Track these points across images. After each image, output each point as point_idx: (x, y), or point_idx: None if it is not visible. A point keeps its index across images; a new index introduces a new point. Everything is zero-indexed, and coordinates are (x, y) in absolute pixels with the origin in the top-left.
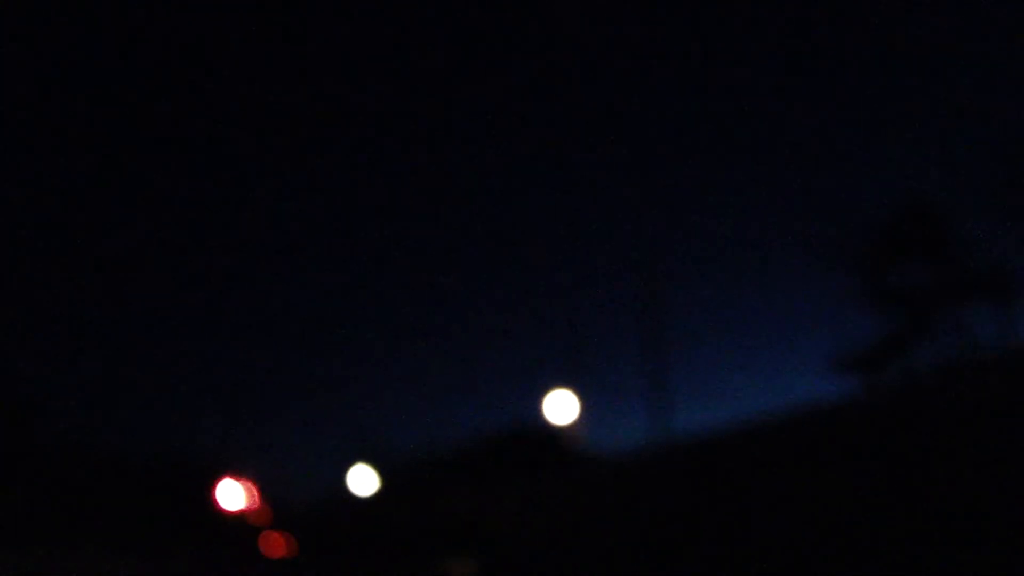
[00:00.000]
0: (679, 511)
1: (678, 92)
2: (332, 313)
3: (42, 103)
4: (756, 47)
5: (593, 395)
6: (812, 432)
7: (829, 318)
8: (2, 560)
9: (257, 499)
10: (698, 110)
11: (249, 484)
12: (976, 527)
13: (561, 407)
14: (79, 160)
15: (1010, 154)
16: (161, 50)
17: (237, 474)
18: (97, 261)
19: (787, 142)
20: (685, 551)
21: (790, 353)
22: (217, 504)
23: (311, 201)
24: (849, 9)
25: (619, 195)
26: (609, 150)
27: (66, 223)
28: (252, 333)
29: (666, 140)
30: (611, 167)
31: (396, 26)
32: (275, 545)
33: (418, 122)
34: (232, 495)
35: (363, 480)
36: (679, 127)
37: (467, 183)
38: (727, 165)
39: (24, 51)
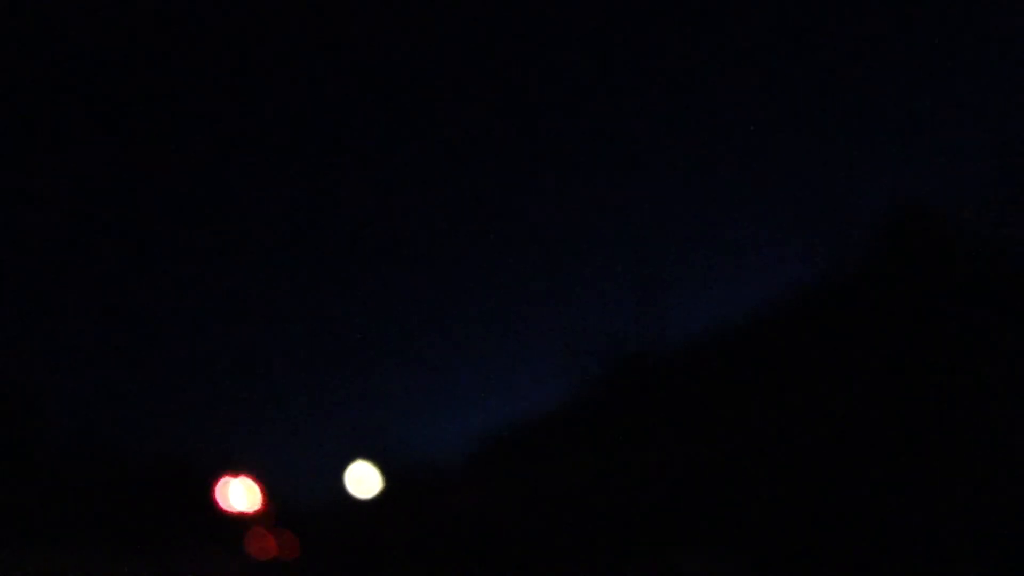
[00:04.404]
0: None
1: (674, 88)
2: (333, 310)
3: (40, 101)
4: (754, 45)
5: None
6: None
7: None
8: (2, 560)
9: (261, 498)
10: (695, 107)
11: (251, 481)
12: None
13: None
14: (78, 158)
15: (1010, 154)
16: (159, 46)
17: (239, 471)
18: (97, 260)
19: (785, 140)
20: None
21: None
22: (220, 503)
23: (312, 200)
24: (847, 8)
25: (617, 196)
26: (606, 150)
27: (66, 222)
28: (253, 330)
29: (662, 137)
30: (609, 166)
31: (391, 25)
32: (276, 544)
33: (417, 121)
34: (235, 494)
35: (364, 479)
36: (675, 123)
37: (467, 182)
38: (724, 162)
39: (22, 50)
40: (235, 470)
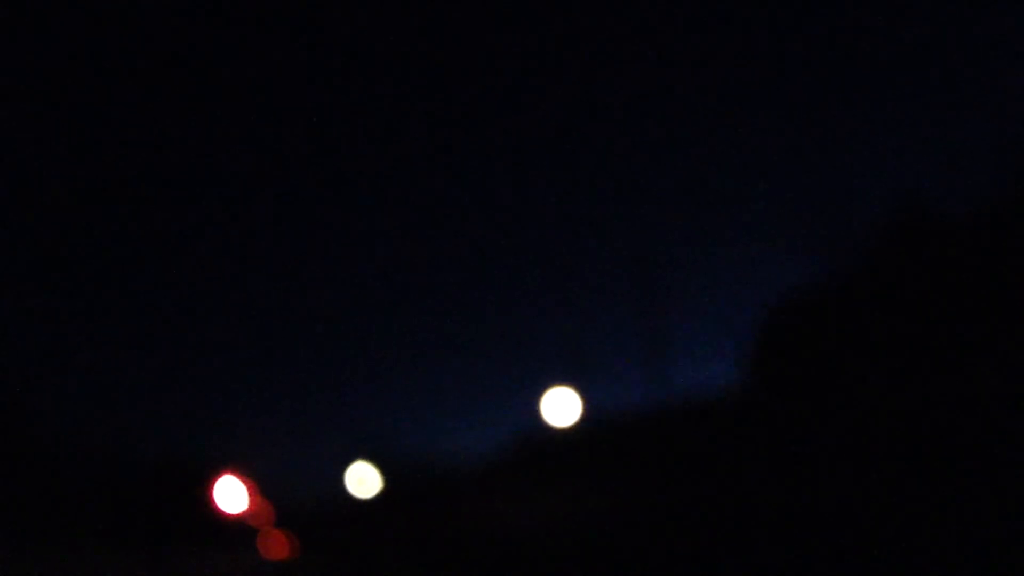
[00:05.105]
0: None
1: (675, 88)
2: (333, 311)
3: (40, 101)
4: (754, 45)
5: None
6: None
7: None
8: (2, 560)
9: (257, 498)
10: (696, 107)
11: (248, 482)
12: None
13: (562, 406)
14: (76, 158)
15: (1010, 154)
16: (161, 47)
17: (236, 472)
18: (97, 262)
19: (785, 139)
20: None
21: None
22: (216, 503)
23: (311, 199)
24: (848, 7)
25: (617, 193)
26: (605, 147)
27: (65, 222)
28: (253, 331)
29: (662, 135)
30: (608, 165)
31: (389, 23)
32: (276, 545)
33: (417, 121)
34: (231, 494)
35: (364, 479)
36: (676, 122)
37: (467, 181)
38: (723, 160)
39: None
40: (231, 471)
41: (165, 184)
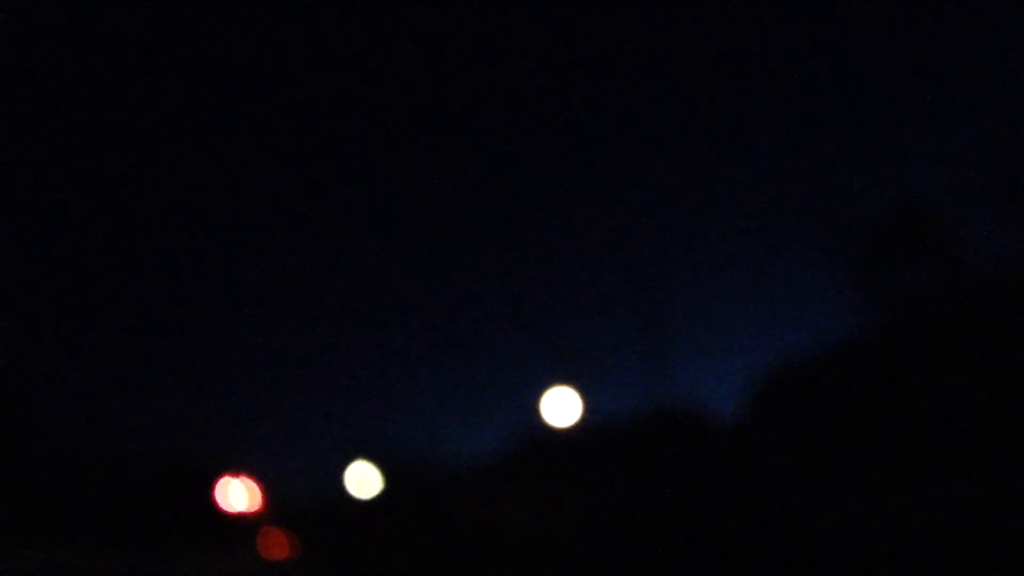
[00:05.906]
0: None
1: (676, 88)
2: (334, 311)
3: (41, 102)
4: (754, 45)
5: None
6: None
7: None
8: (2, 560)
9: (260, 497)
10: (697, 106)
11: (251, 482)
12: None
13: (562, 406)
14: (77, 157)
15: (1010, 154)
16: (155, 45)
17: (239, 471)
18: (98, 261)
19: (786, 140)
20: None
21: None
22: (218, 503)
23: (311, 199)
24: (849, 8)
25: (617, 194)
26: (605, 146)
27: (65, 221)
28: (253, 331)
29: (663, 135)
30: (607, 163)
31: (388, 23)
32: (276, 545)
33: (416, 121)
34: (234, 493)
35: (364, 479)
36: (676, 121)
37: (467, 182)
38: (725, 162)
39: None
40: (235, 470)
41: (169, 184)
